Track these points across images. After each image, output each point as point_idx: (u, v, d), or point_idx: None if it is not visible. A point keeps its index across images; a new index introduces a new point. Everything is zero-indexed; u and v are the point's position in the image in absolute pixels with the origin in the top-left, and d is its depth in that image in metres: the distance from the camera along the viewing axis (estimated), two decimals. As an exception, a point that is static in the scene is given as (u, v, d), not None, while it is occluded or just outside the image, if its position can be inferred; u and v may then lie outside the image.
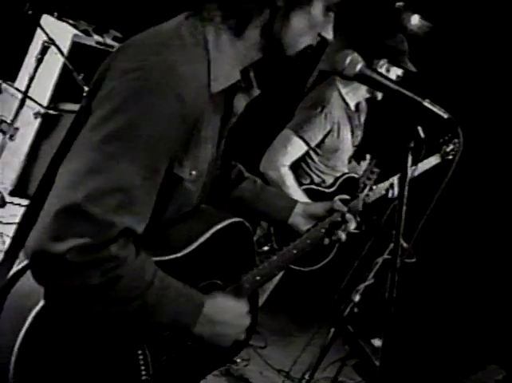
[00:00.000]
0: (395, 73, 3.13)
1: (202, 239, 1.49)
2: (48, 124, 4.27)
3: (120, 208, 1.19)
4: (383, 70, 3.07)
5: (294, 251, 1.77)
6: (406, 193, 1.46)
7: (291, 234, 1.89)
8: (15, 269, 1.35)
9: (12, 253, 1.40)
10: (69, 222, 1.15)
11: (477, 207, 4.93)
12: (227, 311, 1.45)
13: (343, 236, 1.83)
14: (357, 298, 2.66)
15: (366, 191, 2.01)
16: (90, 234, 1.16)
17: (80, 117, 1.36)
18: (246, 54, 1.42)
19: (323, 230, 1.83)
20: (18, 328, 1.24)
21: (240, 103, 1.52)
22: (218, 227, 1.53)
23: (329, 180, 3.24)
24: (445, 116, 1.49)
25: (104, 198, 1.17)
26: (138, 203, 1.23)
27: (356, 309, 2.71)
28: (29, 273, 1.26)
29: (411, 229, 1.68)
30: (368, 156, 3.29)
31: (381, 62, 3.08)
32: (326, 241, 1.85)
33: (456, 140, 3.43)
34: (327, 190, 3.22)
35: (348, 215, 1.83)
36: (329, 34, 1.47)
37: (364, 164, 3.27)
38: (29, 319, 1.24)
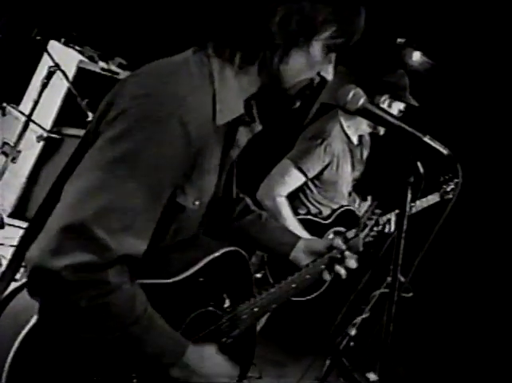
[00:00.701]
0: (398, 107, 3.16)
1: (198, 266, 1.50)
2: (50, 147, 4.30)
3: (121, 230, 1.21)
4: (385, 105, 3.10)
5: (293, 285, 1.77)
6: (404, 228, 1.47)
7: (286, 264, 1.90)
8: (13, 286, 1.36)
9: (10, 271, 1.41)
10: (70, 239, 1.17)
11: (475, 242, 4.93)
12: (210, 366, 1.45)
13: (342, 271, 1.84)
14: (353, 331, 2.65)
15: (366, 231, 2.02)
16: (89, 253, 1.17)
17: (87, 139, 1.38)
18: (247, 89, 1.45)
19: (323, 266, 1.84)
20: (10, 345, 1.24)
21: (242, 137, 1.54)
22: (215, 255, 1.55)
23: (326, 212, 3.25)
24: (445, 152, 1.51)
25: (108, 218, 1.19)
26: (139, 227, 1.25)
27: (352, 343, 2.69)
28: (25, 290, 1.26)
29: (408, 263, 1.69)
30: (369, 197, 3.30)
31: (383, 98, 3.10)
32: (327, 276, 1.86)
33: (456, 180, 3.46)
34: (323, 221, 3.23)
35: (347, 253, 1.84)
36: (329, 74, 1.49)
37: (366, 205, 3.28)
38: (21, 336, 1.25)
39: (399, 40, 5.72)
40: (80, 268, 1.16)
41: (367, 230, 2.00)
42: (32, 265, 1.16)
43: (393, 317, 1.44)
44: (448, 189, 3.46)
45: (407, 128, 1.52)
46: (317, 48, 1.40)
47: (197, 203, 1.42)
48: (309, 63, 1.42)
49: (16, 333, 1.25)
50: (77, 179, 1.24)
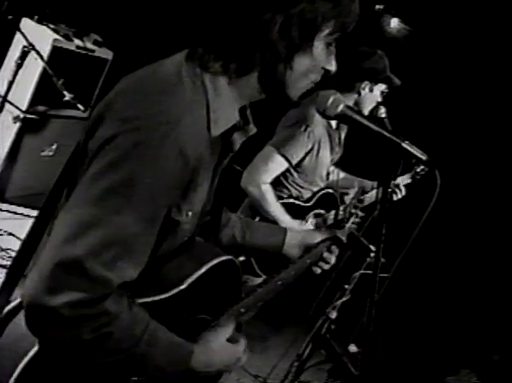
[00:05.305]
0: (379, 89, 3.15)
1: (193, 278, 1.50)
2: (27, 128, 4.25)
3: (117, 261, 1.19)
4: (366, 90, 3.11)
5: (279, 283, 1.79)
6: (386, 209, 1.50)
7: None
8: (8, 307, 1.33)
9: (6, 291, 1.39)
10: (66, 276, 1.15)
11: (452, 222, 4.97)
12: (220, 352, 1.49)
13: (326, 267, 1.90)
14: (334, 315, 2.69)
15: (352, 219, 2.02)
16: (86, 289, 1.16)
17: (77, 153, 1.35)
18: (243, 95, 1.41)
19: (308, 261, 1.86)
20: (12, 369, 1.24)
21: (236, 142, 1.49)
22: (209, 265, 1.54)
23: (307, 194, 3.27)
24: (423, 157, 1.54)
25: (103, 252, 1.17)
26: (136, 253, 1.24)
27: (333, 326, 2.73)
28: (22, 313, 1.23)
29: (388, 243, 1.72)
30: (355, 183, 3.30)
31: (363, 85, 3.11)
32: (317, 270, 1.91)
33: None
34: (305, 204, 3.26)
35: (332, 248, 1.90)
36: (332, 66, 1.44)
37: (352, 193, 3.26)
38: (24, 362, 1.24)
39: (377, 6, 5.67)
40: (79, 304, 1.16)
41: (352, 219, 2.01)
42: (28, 303, 1.15)
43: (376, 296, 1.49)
44: (419, 170, 3.47)
45: (386, 133, 1.54)
46: (319, 48, 1.37)
47: (190, 213, 1.39)
48: (314, 64, 1.38)
49: (19, 358, 1.25)
50: (70, 212, 1.20)
